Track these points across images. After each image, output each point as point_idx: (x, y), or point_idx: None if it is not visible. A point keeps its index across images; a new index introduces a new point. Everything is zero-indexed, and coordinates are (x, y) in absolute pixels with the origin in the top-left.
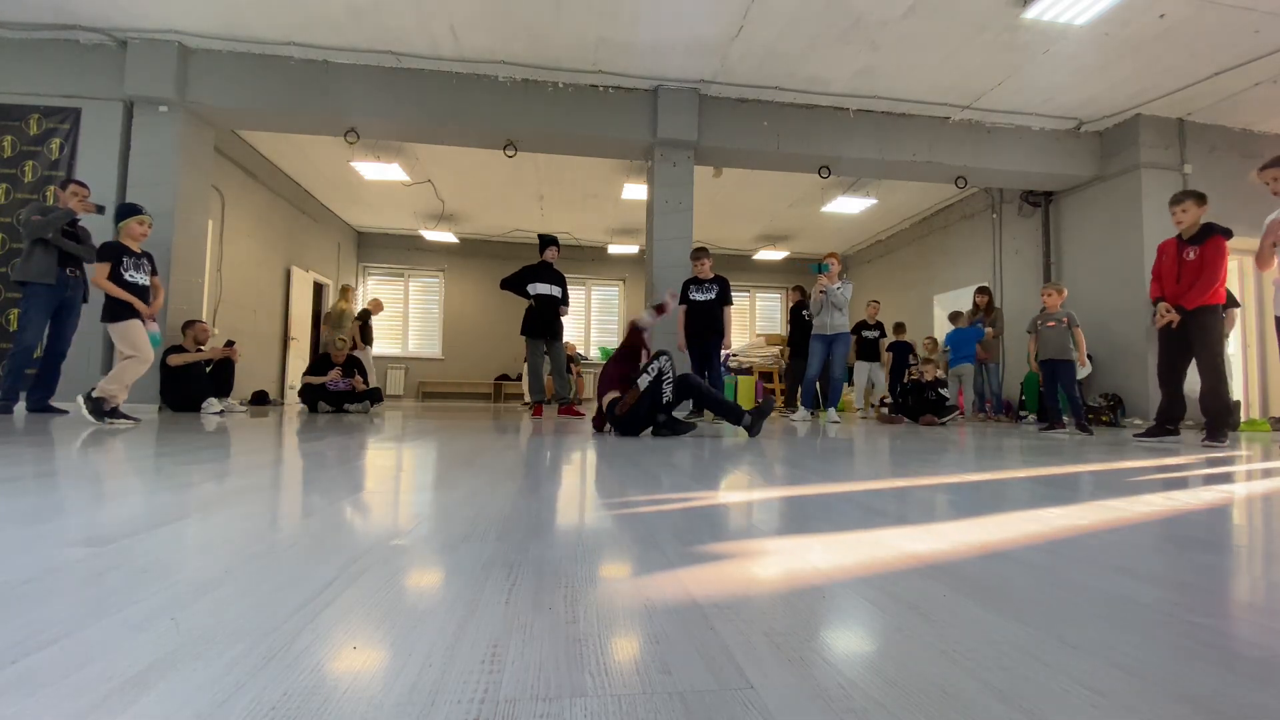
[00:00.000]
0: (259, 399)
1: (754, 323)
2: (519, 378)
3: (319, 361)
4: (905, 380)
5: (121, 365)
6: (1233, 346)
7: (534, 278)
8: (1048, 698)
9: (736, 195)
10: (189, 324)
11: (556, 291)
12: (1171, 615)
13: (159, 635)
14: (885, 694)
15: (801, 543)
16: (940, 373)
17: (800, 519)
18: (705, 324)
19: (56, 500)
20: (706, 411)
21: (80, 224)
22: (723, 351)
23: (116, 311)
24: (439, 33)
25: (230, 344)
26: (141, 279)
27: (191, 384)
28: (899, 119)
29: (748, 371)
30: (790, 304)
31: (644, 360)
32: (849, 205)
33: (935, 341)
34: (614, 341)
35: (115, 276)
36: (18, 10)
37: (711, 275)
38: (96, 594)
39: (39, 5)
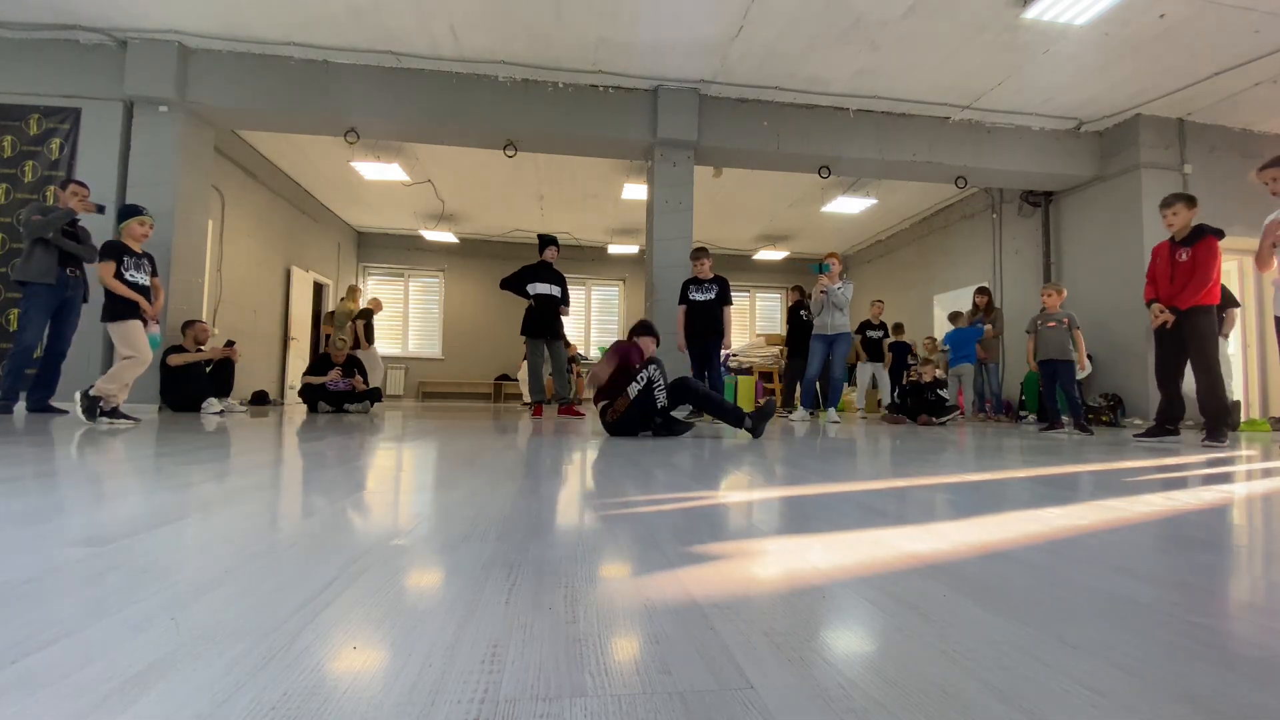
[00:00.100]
0: (259, 399)
1: (754, 323)
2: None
3: (319, 361)
4: (904, 381)
5: (119, 365)
6: (1233, 346)
7: (533, 278)
8: (1048, 698)
9: (736, 195)
10: (189, 324)
11: (556, 291)
12: (1171, 615)
13: (159, 635)
14: (885, 694)
15: (801, 543)
16: (940, 372)
17: (800, 519)
18: (705, 324)
19: (56, 500)
20: (706, 414)
21: (80, 224)
22: (723, 352)
23: (117, 311)
24: (439, 33)
25: (230, 344)
26: (142, 279)
27: (191, 384)
28: (899, 119)
29: (748, 372)
30: (789, 304)
31: (635, 364)
32: (849, 205)
33: (935, 341)
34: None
35: (116, 276)
36: (18, 10)
37: (711, 275)
38: (96, 594)
39: (39, 5)
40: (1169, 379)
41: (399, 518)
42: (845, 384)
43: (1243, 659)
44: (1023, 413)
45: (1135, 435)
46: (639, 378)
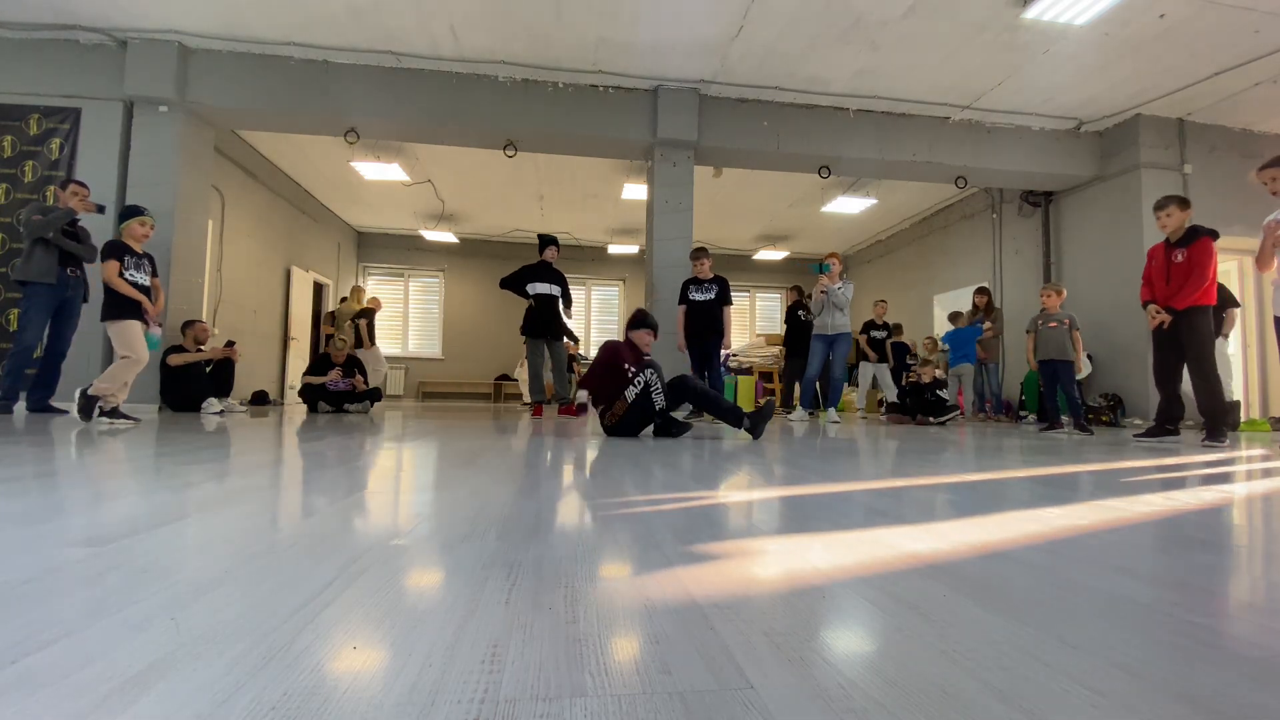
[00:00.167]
0: (259, 399)
1: (754, 323)
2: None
3: (319, 361)
4: (904, 382)
5: (116, 365)
6: (1233, 346)
7: (532, 277)
8: (1048, 698)
9: (736, 195)
10: (189, 324)
11: (556, 291)
12: (1171, 615)
13: (159, 635)
14: (885, 694)
15: (801, 542)
16: (939, 372)
17: (800, 519)
18: (705, 324)
19: (56, 500)
20: (706, 414)
21: (80, 224)
22: (722, 352)
23: (116, 310)
24: (439, 33)
25: (230, 344)
26: (142, 279)
27: (191, 384)
28: (899, 119)
29: (748, 371)
30: (788, 304)
31: (628, 365)
32: (849, 205)
33: (935, 341)
34: None
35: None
36: (18, 10)
37: (711, 275)
38: (96, 594)
39: (39, 5)
40: (1167, 379)
41: (399, 518)
42: (845, 384)
43: (1243, 659)
44: (1023, 413)
45: (1135, 435)
46: (636, 381)
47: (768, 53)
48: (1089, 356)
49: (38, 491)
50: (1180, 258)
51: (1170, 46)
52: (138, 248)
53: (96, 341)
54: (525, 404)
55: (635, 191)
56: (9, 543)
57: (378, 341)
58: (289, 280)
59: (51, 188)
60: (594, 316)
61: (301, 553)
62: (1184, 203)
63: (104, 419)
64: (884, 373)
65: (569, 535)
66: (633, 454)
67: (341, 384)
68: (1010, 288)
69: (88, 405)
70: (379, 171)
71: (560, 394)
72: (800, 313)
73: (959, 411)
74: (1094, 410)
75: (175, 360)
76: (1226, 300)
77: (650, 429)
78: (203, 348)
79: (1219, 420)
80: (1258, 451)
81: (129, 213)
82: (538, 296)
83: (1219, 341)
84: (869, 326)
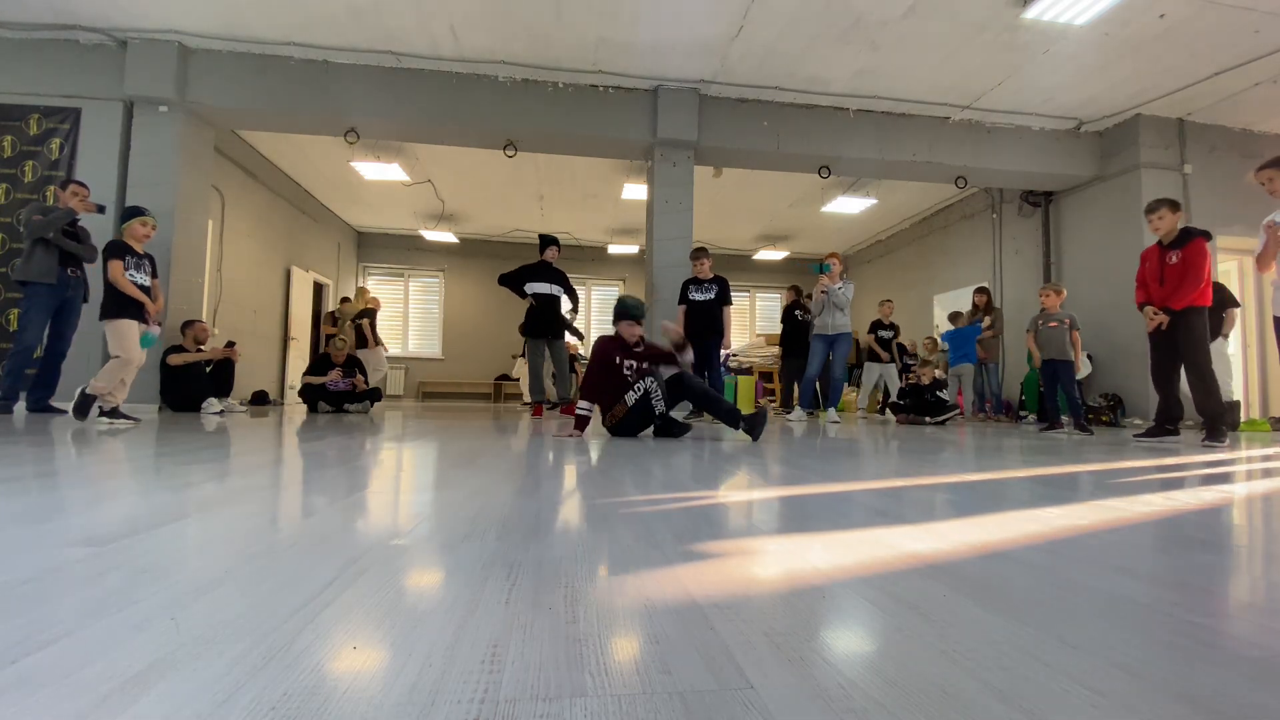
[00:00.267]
0: (259, 399)
1: (754, 323)
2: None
3: (319, 361)
4: (904, 382)
5: (109, 364)
6: (1233, 346)
7: (531, 277)
8: (1048, 698)
9: (736, 195)
10: (188, 324)
11: (557, 290)
12: (1171, 615)
13: (159, 635)
14: (885, 694)
15: (801, 542)
16: (939, 373)
17: (800, 519)
18: (705, 324)
19: (56, 500)
20: (706, 413)
21: (80, 224)
22: (722, 352)
23: (115, 309)
24: (439, 33)
25: (231, 345)
26: (143, 279)
27: (191, 384)
28: (899, 119)
29: (748, 371)
30: (786, 304)
31: (620, 361)
32: (849, 205)
33: (935, 342)
34: None
35: None
36: (18, 10)
37: (711, 275)
38: (96, 594)
39: (39, 5)
40: (1165, 380)
41: (399, 517)
42: (845, 384)
43: (1243, 659)
44: (1023, 413)
45: (1135, 435)
46: (636, 387)
47: (768, 53)
48: (1089, 356)
49: (38, 491)
50: (1174, 259)
51: (1170, 46)
52: (139, 248)
53: (96, 341)
54: (525, 404)
55: (635, 191)
56: (9, 543)
57: (374, 342)
58: (289, 280)
59: (51, 188)
60: (594, 316)
61: (301, 553)
62: (1175, 205)
63: (104, 419)
64: (891, 373)
65: (569, 535)
66: (633, 454)
67: (341, 384)
68: (1010, 288)
69: (84, 404)
70: (379, 171)
71: (562, 394)
72: (797, 313)
73: (958, 411)
74: (1094, 410)
75: (175, 360)
76: (1226, 300)
77: (650, 429)
78: (203, 348)
79: (1218, 420)
80: (1258, 451)
81: (130, 213)
82: (537, 296)
83: (1219, 341)
84: (876, 326)
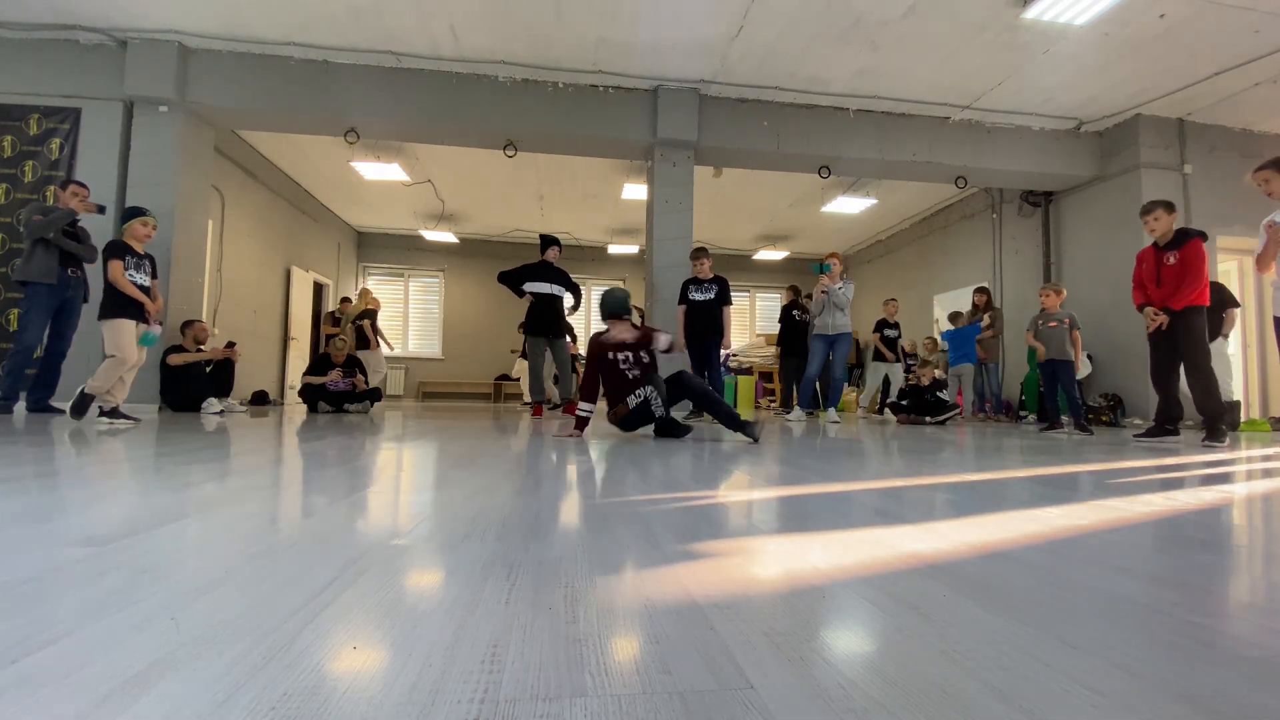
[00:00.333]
0: (259, 399)
1: (754, 323)
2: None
3: (319, 361)
4: (904, 383)
5: (104, 364)
6: (1233, 346)
7: (532, 277)
8: (1048, 698)
9: (736, 195)
10: (188, 324)
11: (558, 290)
12: (1171, 615)
13: (159, 635)
14: (885, 694)
15: (801, 542)
16: (939, 373)
17: (800, 518)
18: (705, 324)
19: (56, 500)
20: (706, 414)
21: (80, 224)
22: (722, 352)
23: (113, 309)
24: (439, 33)
25: (231, 345)
26: (142, 280)
27: (191, 384)
28: (899, 119)
29: (748, 372)
30: (784, 304)
31: (615, 356)
32: (849, 205)
33: (935, 342)
34: None
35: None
36: (18, 10)
37: (711, 275)
38: (96, 594)
39: (39, 5)
40: (1164, 380)
41: (399, 517)
42: (846, 384)
43: (1243, 659)
44: (1023, 413)
45: (1135, 435)
46: (636, 393)
47: (768, 53)
48: (1089, 356)
49: (38, 491)
50: (1172, 260)
51: (1170, 46)
52: (139, 248)
53: (96, 341)
54: (525, 404)
55: (635, 191)
56: (9, 543)
57: (380, 343)
58: (289, 280)
59: (51, 188)
60: (594, 316)
61: (301, 553)
62: (1170, 206)
63: (104, 419)
64: (897, 372)
65: (569, 535)
66: (633, 454)
67: (341, 384)
68: (1010, 288)
69: (82, 403)
70: (379, 171)
71: (564, 394)
72: (795, 313)
73: (958, 411)
74: (1094, 410)
75: (175, 360)
76: (1226, 300)
77: (652, 426)
78: (203, 348)
79: (1218, 419)
80: (1258, 451)
81: (131, 213)
82: (537, 295)
83: (1219, 341)
84: (882, 325)
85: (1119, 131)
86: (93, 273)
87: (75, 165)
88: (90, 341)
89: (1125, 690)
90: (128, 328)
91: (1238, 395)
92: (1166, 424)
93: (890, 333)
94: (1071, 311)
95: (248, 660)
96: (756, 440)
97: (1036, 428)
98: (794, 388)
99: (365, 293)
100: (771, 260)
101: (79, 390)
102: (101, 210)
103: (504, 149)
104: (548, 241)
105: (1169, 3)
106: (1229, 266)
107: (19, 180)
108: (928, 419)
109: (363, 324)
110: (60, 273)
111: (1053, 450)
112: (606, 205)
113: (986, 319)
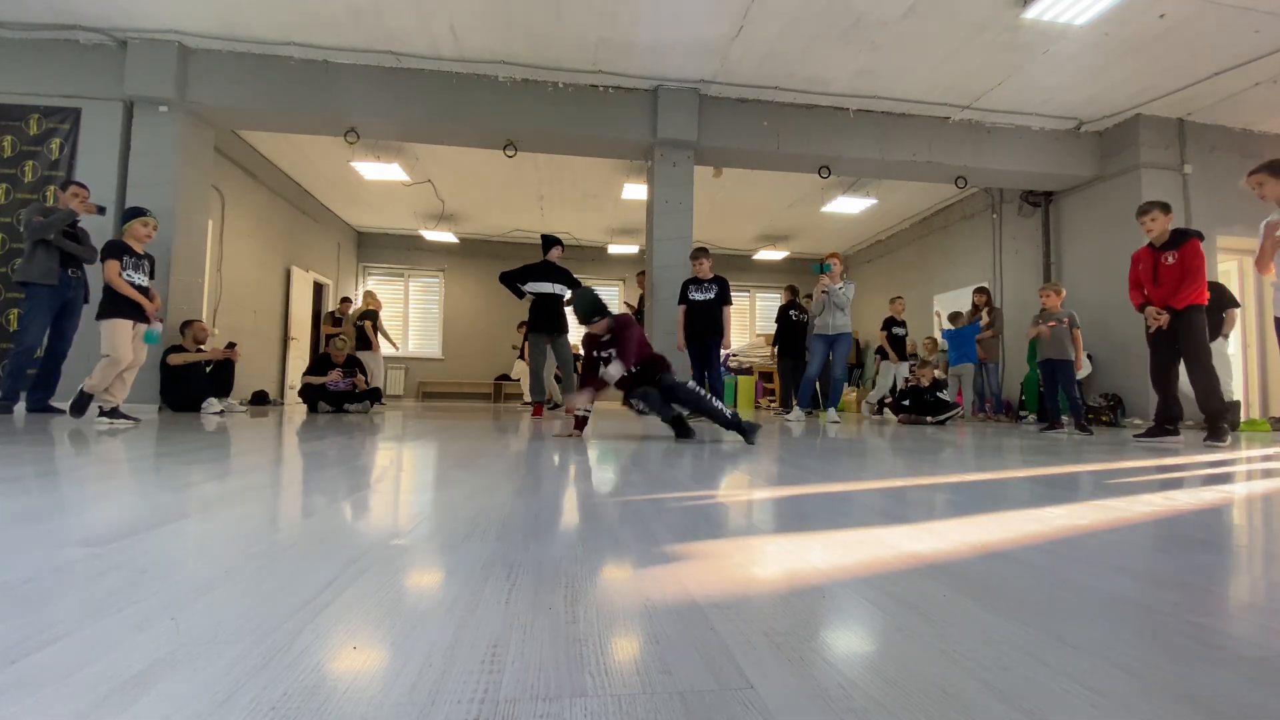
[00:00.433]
0: (259, 399)
1: (754, 323)
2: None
3: (319, 361)
4: (904, 384)
5: (100, 363)
6: (1233, 346)
7: (533, 277)
8: (1048, 698)
9: (736, 195)
10: (187, 324)
11: (560, 290)
12: (1171, 615)
13: (159, 635)
14: (885, 694)
15: (801, 542)
16: (939, 373)
17: (800, 518)
18: (704, 324)
19: (57, 500)
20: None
21: (80, 225)
22: (722, 352)
23: (110, 309)
24: (439, 33)
25: (231, 345)
26: (141, 280)
27: (191, 384)
28: (899, 119)
29: (747, 371)
30: (782, 303)
31: (598, 355)
32: (849, 205)
33: (935, 342)
34: None
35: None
36: (18, 10)
37: (711, 275)
38: (96, 594)
39: (39, 5)
40: (1163, 379)
41: (399, 517)
42: (845, 384)
43: (1243, 659)
44: (1023, 413)
45: (1135, 435)
46: (632, 400)
47: (768, 53)
48: (1089, 356)
49: (38, 491)
50: (1170, 260)
51: (1170, 46)
52: (139, 248)
53: (96, 342)
54: (525, 404)
55: (635, 191)
56: (9, 543)
57: (379, 344)
58: (289, 280)
59: (51, 188)
60: None
61: (301, 553)
62: (1166, 207)
63: (104, 419)
64: (904, 372)
65: (569, 535)
66: (633, 454)
67: (342, 384)
68: (1010, 288)
69: (81, 402)
70: (379, 171)
71: (566, 392)
72: (792, 313)
73: (959, 410)
74: (1094, 410)
75: (175, 360)
76: (1226, 300)
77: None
78: (203, 348)
79: (1220, 418)
80: (1258, 451)
81: (131, 213)
82: (538, 294)
83: (1219, 341)
84: (890, 323)
85: (1119, 131)
86: (93, 273)
87: (75, 165)
88: (90, 342)
89: (1125, 690)
90: (123, 328)
91: (1238, 395)
92: (1166, 424)
93: (898, 330)
94: (1072, 311)
95: (248, 660)
96: (752, 443)
97: (1036, 428)
98: (792, 388)
99: (369, 295)
100: (771, 260)
101: (78, 389)
102: (102, 211)
103: (504, 149)
104: (550, 242)
105: (1169, 3)
106: (1229, 266)
107: (19, 180)
108: (928, 419)
109: (364, 324)
110: (61, 274)
111: (1053, 450)
112: (606, 205)
113: (986, 320)
